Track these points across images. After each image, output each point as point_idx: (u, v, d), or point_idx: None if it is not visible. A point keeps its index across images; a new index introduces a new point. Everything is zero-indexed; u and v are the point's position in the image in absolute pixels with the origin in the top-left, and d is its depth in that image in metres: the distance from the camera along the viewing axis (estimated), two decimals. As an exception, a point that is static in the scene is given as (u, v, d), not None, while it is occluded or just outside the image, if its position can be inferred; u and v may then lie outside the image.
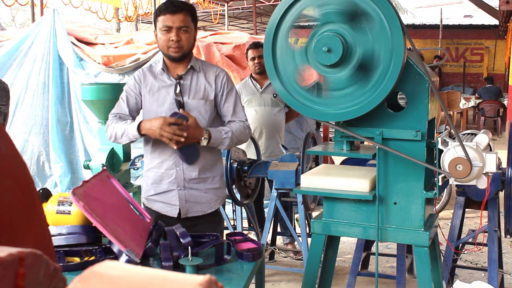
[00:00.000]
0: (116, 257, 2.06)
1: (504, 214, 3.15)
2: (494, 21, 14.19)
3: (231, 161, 3.70)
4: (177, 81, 2.60)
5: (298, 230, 4.47)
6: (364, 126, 2.25)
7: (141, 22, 15.94)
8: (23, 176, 0.76)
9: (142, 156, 4.29)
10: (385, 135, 2.22)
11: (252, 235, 4.60)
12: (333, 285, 2.73)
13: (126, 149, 4.49)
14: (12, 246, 0.52)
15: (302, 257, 4.20)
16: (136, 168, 4.37)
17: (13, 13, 24.85)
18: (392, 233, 2.31)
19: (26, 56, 6.11)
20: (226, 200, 4.32)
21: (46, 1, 8.18)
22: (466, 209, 3.58)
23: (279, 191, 3.84)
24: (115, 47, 6.24)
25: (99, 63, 6.01)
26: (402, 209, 2.28)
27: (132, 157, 4.48)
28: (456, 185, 3.37)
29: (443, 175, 2.20)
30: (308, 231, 3.93)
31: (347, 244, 4.88)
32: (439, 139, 2.23)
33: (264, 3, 13.50)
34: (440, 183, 2.22)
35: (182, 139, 2.40)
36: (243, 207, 4.15)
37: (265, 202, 4.82)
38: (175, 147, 2.45)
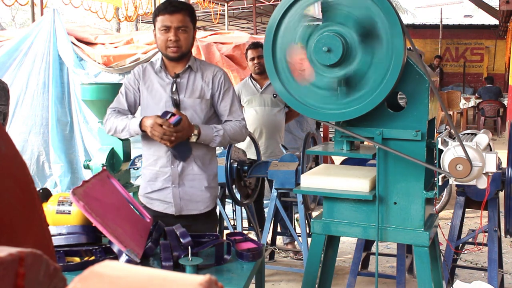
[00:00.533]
0: (116, 257, 2.06)
1: (504, 214, 3.15)
2: (494, 21, 14.19)
3: (231, 161, 3.70)
4: (174, 79, 2.61)
5: (298, 230, 4.47)
6: (364, 126, 2.25)
7: (141, 22, 15.93)
8: (23, 176, 0.76)
9: (142, 156, 4.29)
10: (385, 135, 2.23)
11: (252, 235, 4.60)
12: (333, 285, 2.73)
13: (126, 149, 4.49)
14: (12, 246, 0.52)
15: (302, 257, 4.20)
16: (136, 168, 4.37)
17: (13, 13, 24.85)
18: (392, 233, 2.31)
19: (26, 56, 6.11)
20: (226, 200, 4.34)
21: (46, 1, 8.18)
22: (466, 209, 3.58)
23: (279, 191, 3.84)
24: (115, 47, 6.25)
25: (99, 63, 6.01)
26: (402, 209, 2.28)
27: (132, 157, 4.48)
28: (456, 185, 3.37)
29: (443, 175, 2.21)
30: (308, 231, 3.93)
31: (347, 244, 4.88)
32: (439, 139, 2.23)
33: (264, 3, 13.50)
34: (440, 183, 2.22)
35: (173, 138, 2.42)
36: (243, 207, 4.15)
37: (265, 202, 4.82)
38: (168, 145, 2.48)
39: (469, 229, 4.04)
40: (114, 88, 4.41)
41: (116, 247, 2.04)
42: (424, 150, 2.22)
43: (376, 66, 2.08)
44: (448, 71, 17.50)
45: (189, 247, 2.04)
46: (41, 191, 2.51)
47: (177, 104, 2.58)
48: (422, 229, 2.26)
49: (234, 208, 4.26)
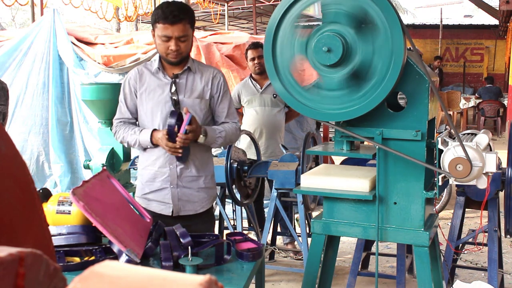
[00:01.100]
0: (116, 257, 2.06)
1: (504, 214, 3.15)
2: (494, 21, 14.18)
3: (231, 161, 3.70)
4: (173, 80, 2.60)
5: (298, 230, 4.47)
6: (364, 126, 2.25)
7: (141, 22, 15.93)
8: (23, 176, 0.76)
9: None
10: (385, 135, 2.23)
11: (252, 235, 4.60)
12: (333, 285, 2.73)
13: (126, 149, 4.49)
14: (12, 246, 0.52)
15: (302, 257, 4.20)
16: (136, 168, 4.36)
17: (13, 13, 24.85)
18: (392, 233, 2.31)
19: (26, 56, 6.11)
20: (226, 200, 4.34)
21: (46, 1, 8.18)
22: (466, 209, 3.58)
23: (279, 191, 3.84)
24: (115, 47, 6.24)
25: (99, 63, 6.01)
26: (402, 209, 2.28)
27: (132, 157, 4.48)
28: (456, 185, 3.37)
29: (443, 175, 2.21)
30: (308, 231, 3.93)
31: (347, 244, 4.88)
32: (439, 139, 2.23)
33: (264, 3, 13.50)
34: (440, 183, 2.22)
35: (180, 151, 2.47)
36: (243, 207, 4.15)
37: (265, 202, 4.82)
38: (179, 155, 2.51)
39: (469, 229, 4.04)
40: (114, 88, 4.41)
41: (116, 247, 2.04)
42: (424, 150, 2.22)
43: (379, 53, 2.06)
44: (448, 71, 17.49)
45: (189, 247, 2.04)
46: (41, 191, 2.51)
47: (177, 104, 2.58)
48: (422, 229, 2.26)
49: (234, 208, 4.26)
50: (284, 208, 3.99)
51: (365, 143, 2.42)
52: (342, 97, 2.15)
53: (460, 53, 17.66)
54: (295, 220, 4.90)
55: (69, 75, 6.10)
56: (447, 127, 2.92)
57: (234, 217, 4.27)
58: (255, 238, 4.23)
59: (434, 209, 2.69)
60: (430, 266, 2.29)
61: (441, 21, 15.59)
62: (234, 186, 3.79)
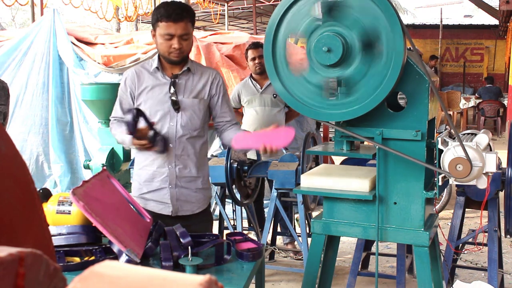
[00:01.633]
0: (116, 257, 2.06)
1: (504, 214, 3.15)
2: (494, 21, 14.18)
3: (231, 161, 3.70)
4: (172, 79, 2.60)
5: (298, 230, 4.47)
6: (364, 126, 2.25)
7: (141, 22, 15.93)
8: (23, 176, 0.76)
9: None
10: (385, 135, 2.23)
11: (252, 235, 4.60)
12: (333, 285, 2.73)
13: (126, 149, 4.49)
14: (12, 246, 0.52)
15: (302, 257, 4.20)
16: (136, 168, 4.37)
17: (13, 13, 24.85)
18: (392, 233, 2.31)
19: (26, 56, 6.11)
20: (226, 200, 4.34)
21: (46, 1, 8.18)
22: (466, 209, 3.58)
23: (279, 191, 3.84)
24: (115, 47, 6.24)
25: (99, 63, 6.01)
26: (402, 209, 2.28)
27: (132, 157, 4.48)
28: (456, 185, 3.37)
29: (443, 175, 2.21)
30: (308, 231, 3.93)
31: (347, 244, 4.88)
32: (439, 139, 2.23)
33: (264, 3, 13.50)
34: (440, 183, 2.22)
35: (144, 142, 2.44)
36: (243, 207, 4.15)
37: (265, 202, 4.82)
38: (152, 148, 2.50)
39: (469, 229, 4.04)
40: (114, 88, 4.40)
41: (116, 247, 2.04)
42: (424, 150, 2.22)
43: (369, 78, 2.09)
44: (448, 71, 17.50)
45: (189, 247, 2.04)
46: (41, 191, 2.51)
47: (176, 104, 2.58)
48: (422, 229, 2.26)
49: (234, 208, 4.26)
50: (284, 208, 3.99)
51: (365, 143, 2.42)
52: (347, 95, 2.15)
53: (460, 53, 17.66)
54: (295, 220, 4.90)
55: (69, 75, 6.10)
56: (447, 127, 2.92)
57: (234, 217, 4.27)
58: (255, 238, 4.23)
59: (434, 209, 2.69)
60: (430, 266, 2.29)
61: (441, 21, 15.59)
62: (234, 186, 3.79)
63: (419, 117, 2.20)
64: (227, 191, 3.86)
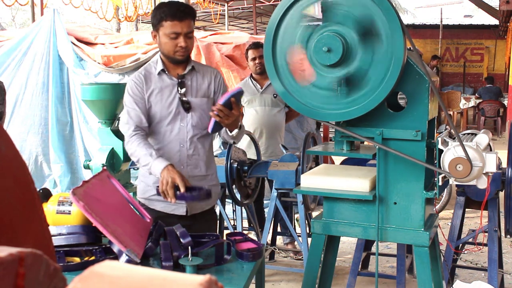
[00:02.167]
0: (116, 257, 2.06)
1: (504, 214, 3.15)
2: (494, 21, 14.18)
3: (231, 161, 3.70)
4: (179, 80, 2.60)
5: (298, 230, 4.47)
6: (364, 126, 2.25)
7: (141, 22, 15.93)
8: (23, 176, 0.76)
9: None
10: (385, 135, 2.23)
11: (252, 235, 4.60)
12: (333, 285, 2.73)
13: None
14: (12, 246, 0.52)
15: (302, 257, 4.20)
16: (136, 168, 4.37)
17: (13, 13, 24.85)
18: (392, 233, 2.31)
19: (25, 56, 6.11)
20: (226, 200, 4.34)
21: (46, 1, 8.17)
22: (466, 209, 3.58)
23: (279, 191, 3.84)
24: (115, 47, 6.24)
25: (99, 63, 6.01)
26: (402, 209, 2.28)
27: (132, 157, 4.48)
28: (456, 185, 3.37)
29: (443, 175, 2.21)
30: (308, 231, 3.93)
31: (347, 244, 4.88)
32: (439, 139, 2.23)
33: (264, 3, 13.50)
34: (440, 183, 2.22)
35: (173, 201, 2.34)
36: (243, 207, 4.15)
37: (265, 202, 4.81)
38: (172, 201, 2.37)
39: (469, 229, 4.04)
40: (114, 88, 4.41)
41: (116, 247, 2.04)
42: (424, 150, 2.22)
43: (376, 65, 2.08)
44: (448, 71, 17.49)
45: (189, 247, 2.04)
46: (41, 191, 2.51)
47: (186, 104, 2.57)
48: (422, 229, 2.26)
49: (234, 208, 4.26)
50: (284, 208, 3.99)
51: (365, 143, 2.42)
52: (342, 97, 2.15)
53: (460, 53, 17.66)
54: (295, 220, 4.90)
55: (69, 75, 6.10)
56: (447, 127, 2.92)
57: (234, 217, 4.27)
58: (255, 238, 4.23)
59: (434, 209, 2.69)
60: (430, 266, 2.29)
61: (441, 21, 15.58)
62: (234, 186, 3.79)
63: (419, 117, 2.20)
64: (227, 191, 3.86)
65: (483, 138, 2.21)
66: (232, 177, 3.71)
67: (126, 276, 0.51)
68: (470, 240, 3.73)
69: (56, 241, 2.15)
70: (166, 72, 2.61)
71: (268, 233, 3.98)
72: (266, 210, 4.52)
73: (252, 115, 4.47)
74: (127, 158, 4.51)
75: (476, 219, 5.53)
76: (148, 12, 10.62)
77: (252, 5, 13.32)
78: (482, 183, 2.20)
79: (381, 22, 2.04)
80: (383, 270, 4.30)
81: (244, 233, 2.49)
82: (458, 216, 3.51)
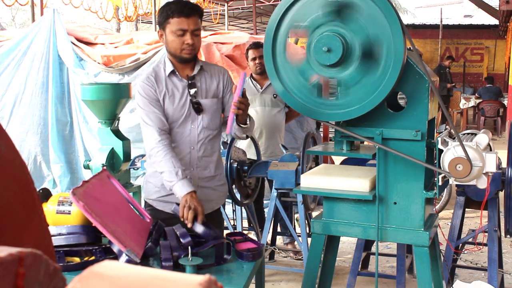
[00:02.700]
0: (116, 257, 2.06)
1: (504, 214, 3.15)
2: (494, 21, 14.19)
3: (231, 161, 3.70)
4: (189, 81, 2.58)
5: (298, 230, 4.47)
6: (364, 126, 2.25)
7: (141, 22, 15.94)
8: (23, 176, 0.76)
9: (142, 156, 4.28)
10: (385, 135, 2.23)
11: (252, 235, 4.60)
12: (333, 285, 2.73)
13: (126, 149, 4.48)
14: (12, 246, 0.52)
15: (302, 257, 4.20)
16: (136, 168, 4.37)
17: (13, 13, 24.85)
18: (392, 233, 2.31)
19: (25, 55, 6.10)
20: (226, 200, 4.34)
21: (46, 1, 8.18)
22: (466, 209, 3.58)
23: (279, 191, 3.84)
24: (115, 47, 6.24)
25: (99, 63, 6.01)
26: (402, 209, 2.28)
27: (132, 157, 4.48)
28: (456, 185, 3.37)
29: (443, 175, 2.20)
30: (308, 231, 3.93)
31: (347, 244, 4.88)
32: (439, 139, 2.23)
33: (264, 3, 13.50)
34: (440, 183, 2.22)
35: (189, 224, 2.31)
36: (243, 207, 4.15)
37: (265, 202, 4.81)
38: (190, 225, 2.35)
39: (469, 229, 4.04)
40: (114, 88, 4.41)
41: (116, 247, 2.04)
42: (424, 150, 2.22)
43: (361, 86, 2.09)
44: (448, 71, 17.50)
45: (189, 247, 2.04)
46: (41, 191, 2.51)
47: (197, 105, 2.57)
48: (422, 229, 2.26)
49: (234, 208, 4.26)
50: (284, 208, 3.99)
51: (365, 143, 2.42)
52: (347, 95, 2.15)
53: (460, 53, 17.67)
54: (295, 220, 4.90)
55: (69, 75, 6.10)
56: (447, 127, 2.92)
57: (234, 217, 4.27)
58: (255, 238, 4.23)
59: (434, 209, 2.69)
60: (430, 266, 2.29)
61: (441, 21, 15.59)
62: (234, 186, 3.79)
63: (419, 117, 2.20)
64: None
65: (483, 138, 2.21)
66: (232, 177, 3.72)
67: (126, 276, 0.51)
68: (470, 240, 3.73)
69: (56, 241, 2.15)
70: (177, 73, 2.59)
71: (268, 233, 3.98)
72: (266, 210, 4.52)
73: (252, 115, 4.46)
74: (127, 158, 4.51)
75: (476, 219, 5.53)
76: (148, 12, 10.63)
77: (252, 5, 13.32)
78: (482, 183, 2.20)
79: (387, 51, 2.04)
80: (383, 270, 4.30)
81: (244, 233, 2.49)
82: (458, 216, 3.51)
